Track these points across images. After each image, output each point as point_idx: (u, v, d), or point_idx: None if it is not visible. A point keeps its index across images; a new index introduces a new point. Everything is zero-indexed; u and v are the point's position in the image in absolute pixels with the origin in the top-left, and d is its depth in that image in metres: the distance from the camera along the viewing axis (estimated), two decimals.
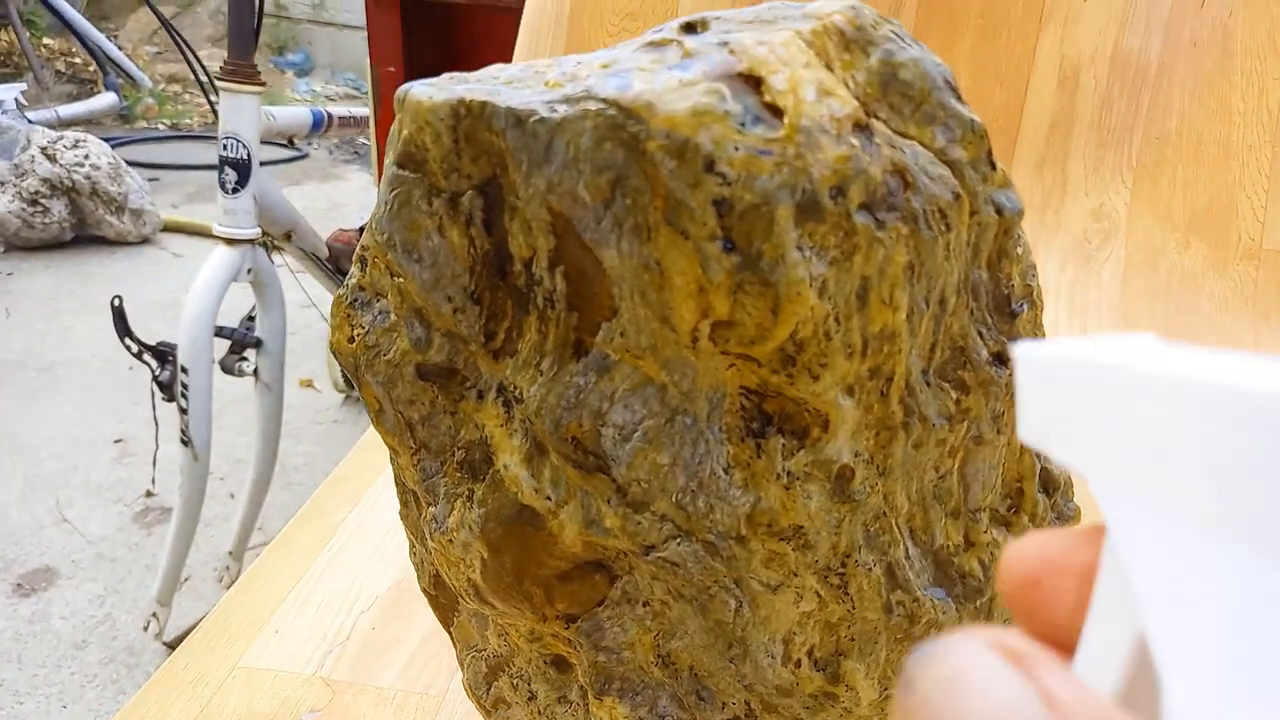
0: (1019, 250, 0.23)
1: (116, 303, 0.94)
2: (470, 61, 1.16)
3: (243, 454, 1.18)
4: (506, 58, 0.88)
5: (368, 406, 0.28)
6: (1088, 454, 0.10)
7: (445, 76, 0.23)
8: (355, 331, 0.26)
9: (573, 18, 0.89)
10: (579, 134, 0.20)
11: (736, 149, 0.19)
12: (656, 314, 0.22)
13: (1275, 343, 0.72)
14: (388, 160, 0.24)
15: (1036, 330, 0.24)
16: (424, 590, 0.31)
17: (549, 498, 0.26)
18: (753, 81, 0.20)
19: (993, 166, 0.22)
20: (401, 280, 0.25)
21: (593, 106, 0.20)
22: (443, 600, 0.31)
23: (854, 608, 0.26)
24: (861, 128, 0.20)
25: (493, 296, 0.24)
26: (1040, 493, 0.26)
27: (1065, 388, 0.10)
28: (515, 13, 0.89)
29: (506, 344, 0.25)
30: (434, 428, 0.27)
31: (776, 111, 0.20)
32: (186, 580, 1.17)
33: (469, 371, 0.26)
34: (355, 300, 0.26)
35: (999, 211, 0.22)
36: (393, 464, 0.29)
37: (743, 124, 0.19)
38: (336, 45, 4.37)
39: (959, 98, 0.21)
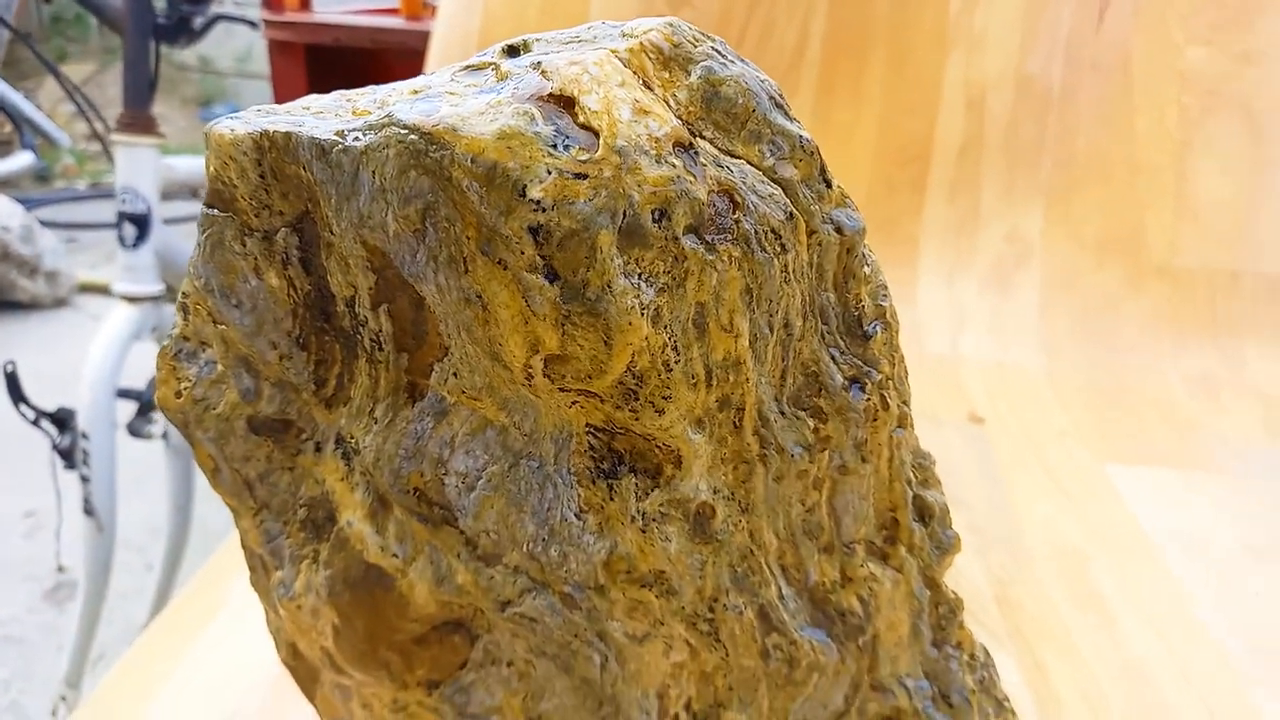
0: (867, 270, 0.22)
1: (9, 368, 0.90)
2: None
3: (160, 522, 1.13)
4: None
5: (202, 466, 0.26)
6: None
7: (252, 109, 0.21)
8: (182, 385, 0.24)
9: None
10: (382, 163, 0.19)
11: (549, 173, 0.18)
12: (486, 351, 0.20)
13: (1194, 365, 0.73)
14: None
15: (893, 353, 0.23)
16: (284, 661, 0.29)
17: (395, 555, 0.24)
18: (565, 102, 0.19)
19: (828, 184, 0.21)
20: (224, 328, 0.23)
21: (395, 133, 0.18)
22: (303, 671, 0.29)
23: (728, 655, 0.24)
24: (684, 147, 0.19)
25: (319, 340, 0.23)
26: (916, 522, 0.25)
27: None
28: (423, 56, 0.87)
29: (339, 391, 0.23)
30: (273, 486, 0.25)
31: (591, 133, 0.19)
32: (99, 659, 1.11)
33: (304, 423, 0.24)
34: (179, 351, 0.24)
35: (839, 230, 0.21)
36: (237, 527, 0.27)
37: (554, 146, 0.18)
38: (265, 97, 4.32)
39: (787, 114, 0.20)
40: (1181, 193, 0.78)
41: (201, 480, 1.08)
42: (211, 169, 0.21)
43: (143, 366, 1.03)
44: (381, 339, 0.22)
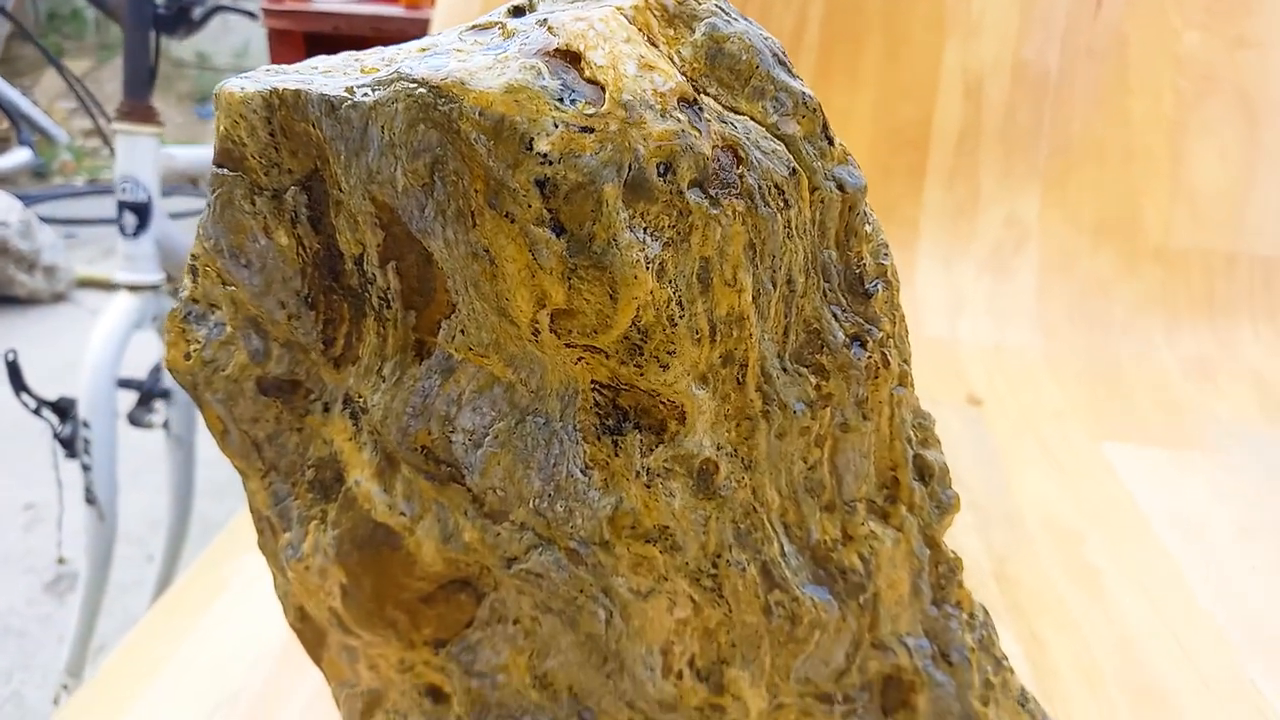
0: (868, 228, 0.23)
1: (10, 357, 0.90)
2: None
3: (160, 514, 1.13)
4: None
5: (211, 428, 0.26)
6: None
7: (262, 69, 0.22)
8: (191, 347, 0.25)
9: None
10: (391, 117, 0.19)
11: (556, 126, 0.18)
12: (493, 306, 0.21)
13: (1189, 346, 0.73)
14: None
15: (894, 311, 0.23)
16: (291, 625, 0.29)
17: (403, 513, 0.24)
18: (571, 57, 0.19)
19: (830, 142, 0.21)
20: (233, 289, 0.24)
21: (404, 87, 0.19)
22: (310, 634, 0.29)
23: (731, 611, 0.25)
24: (688, 103, 0.20)
25: (327, 300, 0.23)
26: (916, 481, 0.26)
27: None
28: None
29: (347, 350, 0.24)
30: (281, 447, 0.25)
31: (597, 87, 0.19)
32: (100, 651, 1.11)
33: (312, 383, 0.25)
34: (189, 314, 0.25)
35: (841, 188, 0.21)
36: (245, 490, 0.27)
37: (561, 100, 0.19)
38: None
39: (790, 71, 0.21)
40: (1177, 176, 0.78)
41: (202, 472, 1.08)
42: (221, 128, 0.21)
43: (143, 356, 1.04)
44: (389, 296, 0.22)
